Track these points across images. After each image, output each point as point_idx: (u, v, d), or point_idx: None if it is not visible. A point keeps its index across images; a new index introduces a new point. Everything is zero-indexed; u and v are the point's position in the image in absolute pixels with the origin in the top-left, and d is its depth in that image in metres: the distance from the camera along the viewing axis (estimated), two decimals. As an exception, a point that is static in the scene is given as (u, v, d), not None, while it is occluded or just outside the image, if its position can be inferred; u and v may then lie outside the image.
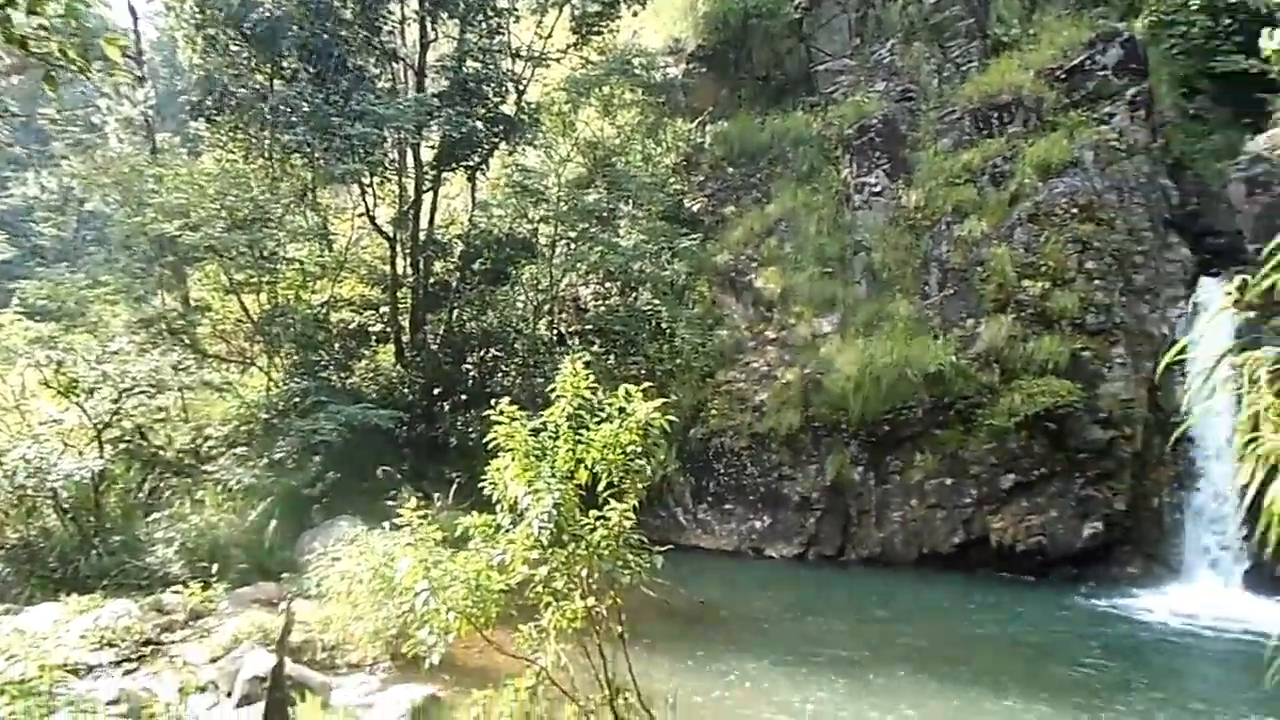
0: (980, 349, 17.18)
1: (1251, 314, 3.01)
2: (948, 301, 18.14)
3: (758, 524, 18.50)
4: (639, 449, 6.28)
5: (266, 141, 17.47)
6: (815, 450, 18.23)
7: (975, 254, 18.01)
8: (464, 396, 17.80)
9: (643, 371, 16.21)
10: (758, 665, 10.62)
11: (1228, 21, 19.30)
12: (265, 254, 16.04)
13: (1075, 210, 17.38)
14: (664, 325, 18.69)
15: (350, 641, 10.75)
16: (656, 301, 19.22)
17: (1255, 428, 3.13)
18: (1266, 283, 2.95)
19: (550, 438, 6.25)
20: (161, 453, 16.11)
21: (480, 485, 6.44)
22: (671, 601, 12.04)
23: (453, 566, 5.91)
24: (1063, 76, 18.76)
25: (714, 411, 19.33)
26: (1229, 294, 3.06)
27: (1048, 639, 12.41)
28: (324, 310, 18.10)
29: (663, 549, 6.42)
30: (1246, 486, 3.15)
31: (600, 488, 6.44)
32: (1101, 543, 15.81)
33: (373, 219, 19.01)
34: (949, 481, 16.91)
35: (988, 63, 20.25)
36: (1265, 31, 3.59)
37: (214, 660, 10.11)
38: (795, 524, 18.13)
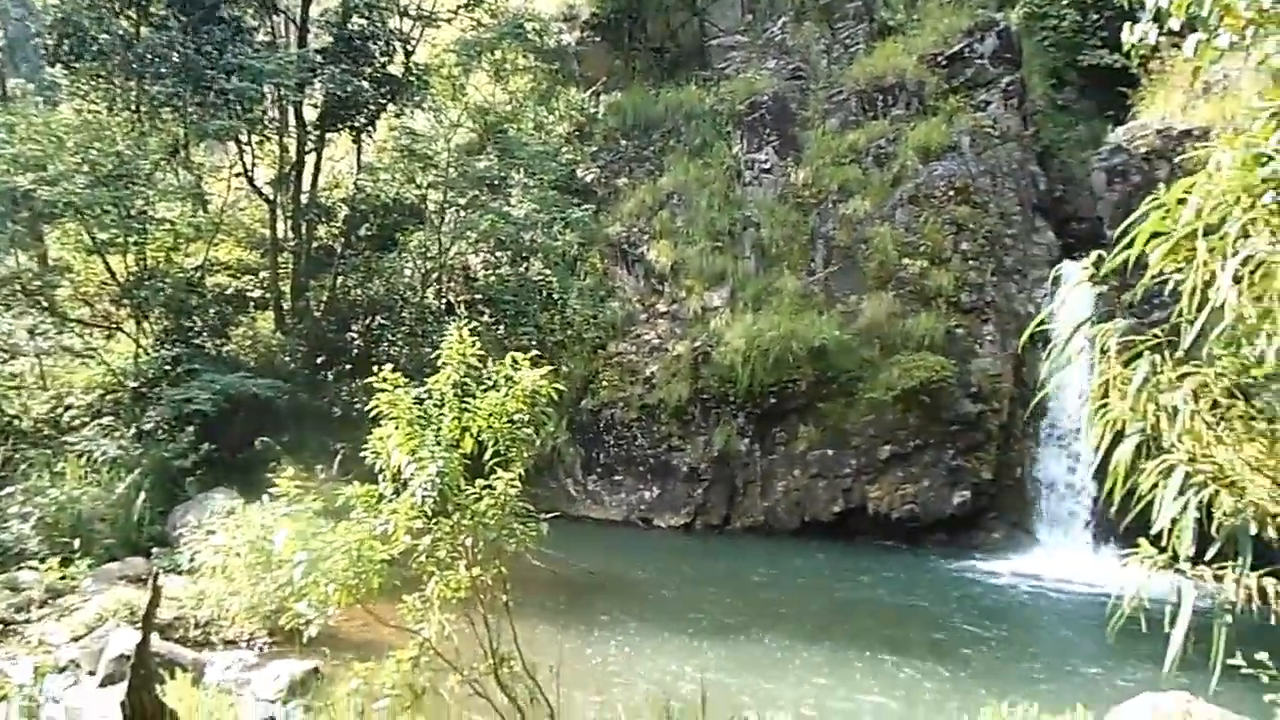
0: (862, 324, 17.76)
1: (1106, 288, 3.22)
2: (833, 278, 18.66)
3: (646, 495, 18.72)
4: (526, 417, 6.24)
5: (133, 93, 16.37)
6: (704, 422, 18.54)
7: (859, 232, 18.56)
8: (349, 366, 17.27)
9: (533, 342, 16.05)
10: (642, 633, 10.80)
11: (1095, 16, 20.39)
12: (132, 213, 15.08)
13: (952, 193, 18.12)
14: (555, 296, 18.57)
15: (225, 617, 10.38)
16: (548, 272, 19.07)
17: (1105, 395, 3.32)
18: (1120, 258, 3.13)
19: (435, 406, 6.14)
20: (16, 422, 15.09)
21: (365, 457, 6.28)
22: (559, 572, 12.06)
23: (333, 537, 5.75)
24: (944, 63, 19.45)
25: (604, 383, 19.40)
26: (1086, 269, 3.24)
27: (916, 601, 13.03)
28: (198, 274, 17.20)
29: (550, 516, 6.42)
30: (1097, 450, 3.35)
31: (486, 457, 6.37)
32: (969, 510, 16.68)
33: (251, 180, 18.14)
34: (830, 452, 17.47)
35: (874, 45, 20.79)
36: (1127, 26, 3.78)
37: (76, 639, 9.60)
38: (683, 494, 18.44)
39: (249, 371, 15.88)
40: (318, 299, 18.22)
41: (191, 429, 14.57)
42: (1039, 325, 3.52)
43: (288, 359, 16.99)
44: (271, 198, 17.84)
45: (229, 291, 18.06)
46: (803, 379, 17.51)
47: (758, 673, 9.32)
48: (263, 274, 18.44)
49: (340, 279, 18.46)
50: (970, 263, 17.77)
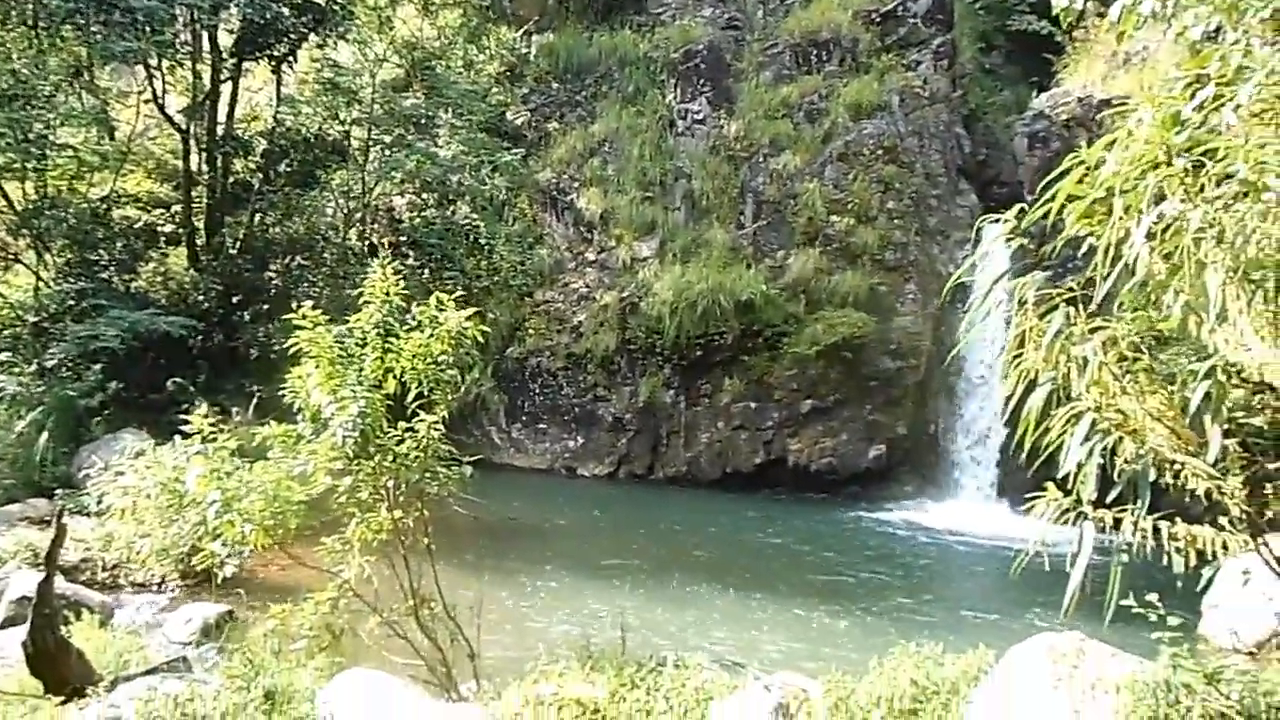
0: (789, 280, 17.97)
1: (1024, 246, 3.32)
2: (761, 232, 18.79)
3: (571, 443, 18.78)
4: (450, 359, 6.17)
5: (30, 7, 15.33)
6: (630, 372, 18.62)
7: (789, 188, 18.69)
8: (266, 306, 16.73)
9: (459, 287, 15.77)
10: (563, 576, 10.91)
11: (1025, -18, 20.68)
12: (30, 137, 14.22)
13: (881, 152, 18.35)
14: (482, 241, 18.28)
15: (136, 560, 10.11)
16: (475, 216, 18.74)
17: (1021, 346, 3.44)
18: (1039, 214, 3.21)
19: (357, 345, 6.02)
20: (-95, 357, 14.28)
21: (283, 398, 6.13)
22: (482, 518, 12.02)
23: (249, 477, 5.63)
24: (877, 20, 19.55)
25: (531, 331, 19.29)
26: (1006, 222, 3.32)
27: (831, 550, 13.44)
28: (104, 205, 16.38)
29: (472, 460, 6.39)
30: (1009, 401, 3.46)
31: (409, 399, 6.30)
32: (885, 464, 17.19)
33: (162, 107, 17.24)
34: (753, 405, 17.76)
35: (810, -1, 20.73)
36: (1057, -9, 3.83)
37: (-28, 582, 9.22)
38: (608, 444, 18.55)
39: (160, 309, 15.27)
40: (234, 236, 17.54)
41: (98, 367, 14.00)
42: (959, 279, 3.61)
43: (201, 297, 16.38)
44: (184, 127, 16.99)
45: (138, 225, 17.24)
46: (729, 332, 17.68)
47: (675, 616, 9.52)
48: (175, 208, 17.63)
49: (258, 216, 17.81)
50: (895, 222, 18.09)
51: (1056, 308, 3.45)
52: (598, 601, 9.47)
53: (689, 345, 17.86)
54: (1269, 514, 3.12)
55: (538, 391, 19.12)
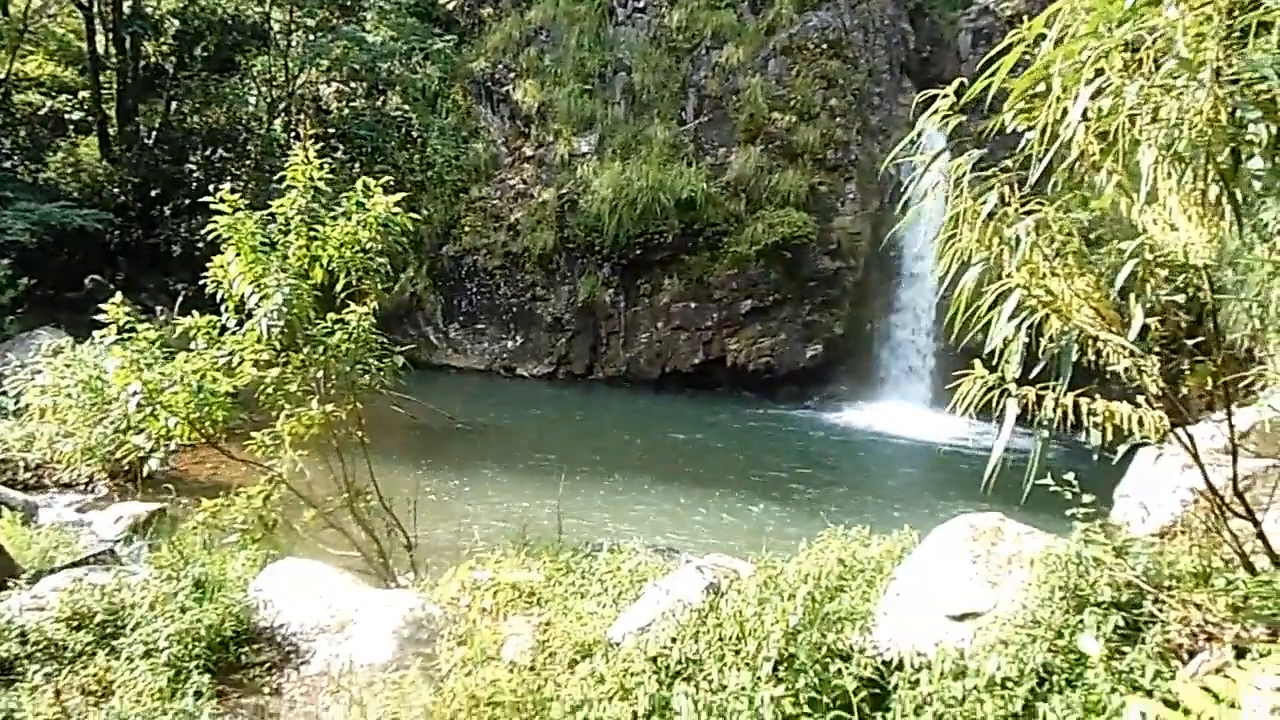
0: (730, 178, 17.82)
1: (963, 119, 3.29)
2: (702, 129, 18.49)
3: (509, 344, 18.68)
4: (380, 248, 5.99)
5: None
6: (569, 271, 18.45)
7: (731, 82, 18.33)
8: (187, 201, 16.08)
9: (392, 182, 15.32)
10: (501, 473, 11.00)
11: None
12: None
13: (825, 46, 18.04)
14: (415, 133, 17.70)
15: (59, 460, 9.84)
16: (407, 107, 18.08)
17: (956, 227, 3.43)
18: (978, 88, 3.16)
19: (281, 231, 5.79)
20: None
21: (209, 296, 5.89)
22: (419, 418, 12.04)
23: (170, 368, 5.46)
24: (826, -93, 18.93)
25: (467, 228, 18.90)
26: (945, 96, 3.28)
27: (765, 448, 13.75)
28: (2, 89, 15.38)
29: (406, 352, 6.29)
30: (943, 280, 3.48)
31: (338, 289, 6.13)
32: (821, 363, 17.48)
33: (62, -18, 16.09)
34: (693, 305, 17.80)
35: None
36: None
37: (-118, 483, 8.91)
38: (546, 344, 18.50)
39: (72, 202, 14.56)
40: (149, 125, 16.68)
41: (6, 262, 13.37)
42: (893, 160, 3.57)
43: (116, 190, 15.65)
44: (87, 4, 15.90)
45: (43, 111, 16.27)
46: (669, 231, 17.55)
47: (611, 510, 9.70)
48: (83, 94, 16.65)
49: (174, 104, 16.92)
50: (838, 120, 17.93)
51: (992, 188, 3.44)
52: (536, 497, 9.58)
53: (628, 244, 17.71)
54: (1183, 391, 3.23)
55: (475, 291, 18.87)
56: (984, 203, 3.33)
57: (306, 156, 5.80)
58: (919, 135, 3.51)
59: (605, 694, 3.36)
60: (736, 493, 10.68)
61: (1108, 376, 3.23)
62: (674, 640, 3.48)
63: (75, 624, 4.06)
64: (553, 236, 18.23)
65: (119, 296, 5.87)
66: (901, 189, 3.86)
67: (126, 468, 9.12)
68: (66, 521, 8.37)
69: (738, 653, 3.33)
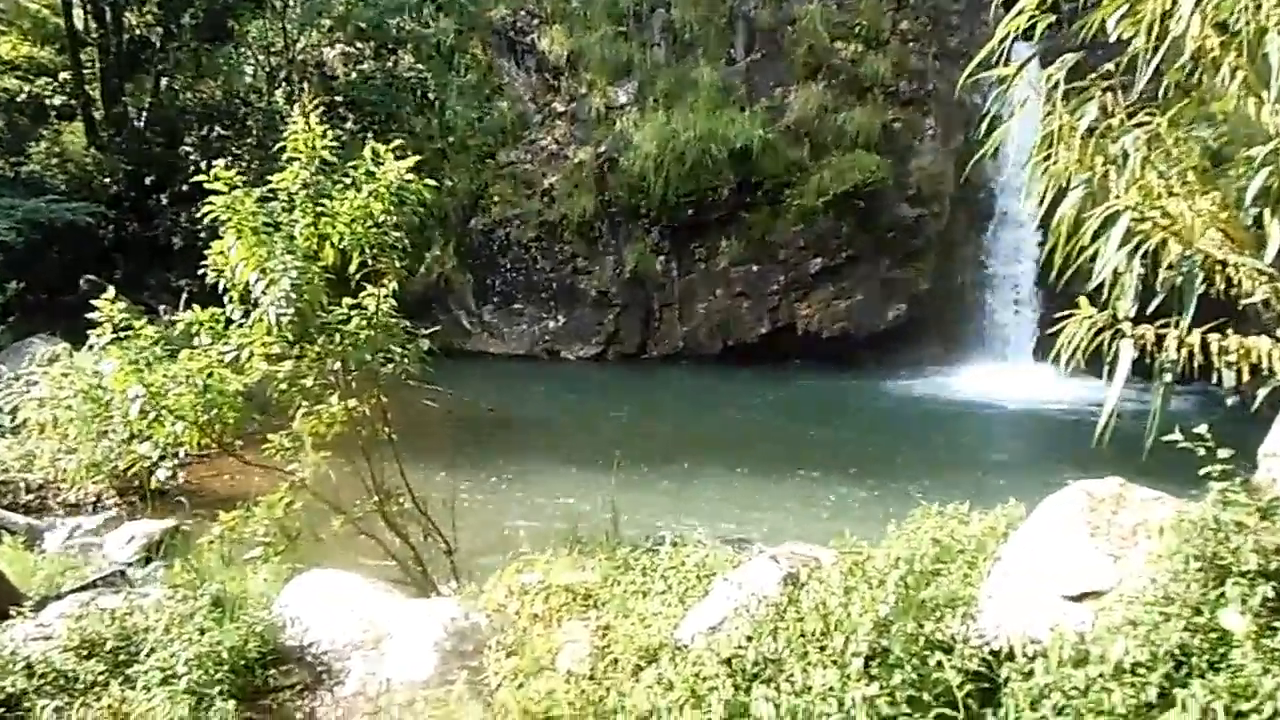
0: (790, 121, 17.68)
1: (1054, 20, 3.17)
2: (755, 67, 18.33)
3: (551, 324, 18.82)
4: (396, 221, 6.04)
5: None
6: (613, 239, 18.49)
7: (785, 11, 18.14)
8: (184, 187, 16.38)
9: (409, 152, 15.46)
10: (546, 466, 11.10)
11: None
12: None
13: (892, -40, 17.74)
14: (431, 96, 17.82)
15: (63, 479, 10.16)
16: (421, 66, 18.19)
17: (1050, 148, 3.34)
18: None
19: (284, 209, 5.87)
20: None
21: (214, 289, 5.99)
22: (455, 410, 12.19)
23: (174, 368, 5.57)
24: None
25: (496, 198, 19.04)
26: (1032, -6, 3.18)
27: (845, 424, 13.68)
28: (-25, 75, 15.88)
29: (430, 334, 6.34)
30: (1041, 202, 3.39)
31: (352, 271, 6.20)
32: (905, 324, 17.30)
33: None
34: (755, 269, 17.72)
35: None
36: None
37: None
38: (592, 322, 18.59)
39: (59, 195, 14.96)
40: (138, 106, 17.07)
41: (-7, 266, 13.82)
42: (980, 73, 3.48)
43: (107, 180, 16.05)
44: (63, -24, 16.31)
45: (21, 98, 16.71)
46: (723, 186, 17.49)
47: (672, 500, 9.73)
48: (63, 75, 17.07)
49: (164, 80, 17.28)
50: (911, 45, 17.68)
51: (1091, 99, 3.34)
52: (587, 490, 9.61)
53: (678, 205, 17.68)
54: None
55: (509, 267, 19.02)
56: (1082, 116, 3.23)
57: (307, 123, 5.86)
58: (1002, 45, 3.40)
59: (675, 702, 3.36)
60: (813, 475, 10.62)
61: (1241, 309, 3.11)
62: (749, 639, 3.47)
63: (85, 652, 4.17)
64: (593, 201, 18.27)
65: (111, 293, 6.01)
66: (985, 114, 3.76)
67: (136, 483, 9.37)
68: (74, 544, 8.65)
69: (822, 649, 3.31)
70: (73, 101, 16.79)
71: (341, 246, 6.00)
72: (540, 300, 18.90)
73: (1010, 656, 3.06)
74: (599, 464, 11.11)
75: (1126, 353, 2.86)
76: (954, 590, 3.47)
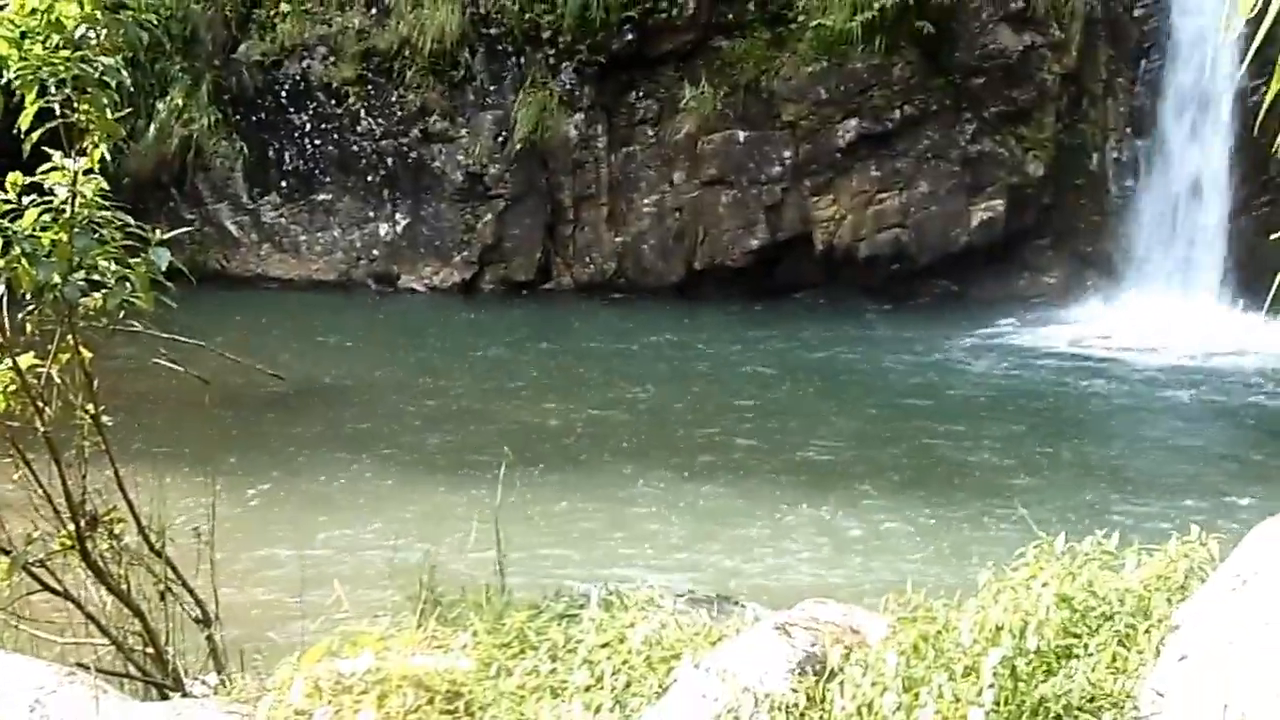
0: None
1: None
2: None
3: (383, 228, 18.72)
4: (105, 36, 5.91)
5: None
6: (492, 84, 18.37)
7: None
8: None
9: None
10: (371, 475, 11.23)
11: None
12: None
13: None
14: None
15: None
16: None
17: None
18: None
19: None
20: None
21: None
22: (216, 379, 12.07)
23: None
24: None
25: (284, 6, 18.74)
26: None
27: (891, 392, 14.01)
28: None
29: (169, 238, 6.23)
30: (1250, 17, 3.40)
31: (24, 124, 6.06)
32: (1002, 236, 17.41)
33: None
34: (742, 137, 17.68)
35: None
36: None
37: None
38: (456, 225, 18.50)
39: None
40: None
41: None
42: None
43: None
44: None
45: None
46: (688, -9, 17.45)
47: (603, 524, 9.94)
48: None
49: None
50: None
51: None
52: (452, 513, 9.63)
53: (607, 23, 17.55)
54: None
55: (307, 128, 18.83)
56: None
57: None
58: None
59: None
60: (841, 483, 10.80)
61: None
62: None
63: None
64: (457, 15, 18.06)
65: None
66: None
67: None
68: None
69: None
70: None
71: (5, 81, 5.87)
72: (364, 188, 18.77)
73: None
74: (471, 469, 11.10)
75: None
76: (1098, 681, 3.51)
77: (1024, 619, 3.96)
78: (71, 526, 6.04)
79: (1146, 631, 3.89)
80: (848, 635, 4.23)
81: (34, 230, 5.85)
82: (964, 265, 17.50)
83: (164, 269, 6.12)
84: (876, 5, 16.99)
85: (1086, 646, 3.90)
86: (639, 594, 5.31)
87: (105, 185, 6.14)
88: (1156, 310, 16.58)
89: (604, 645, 4.67)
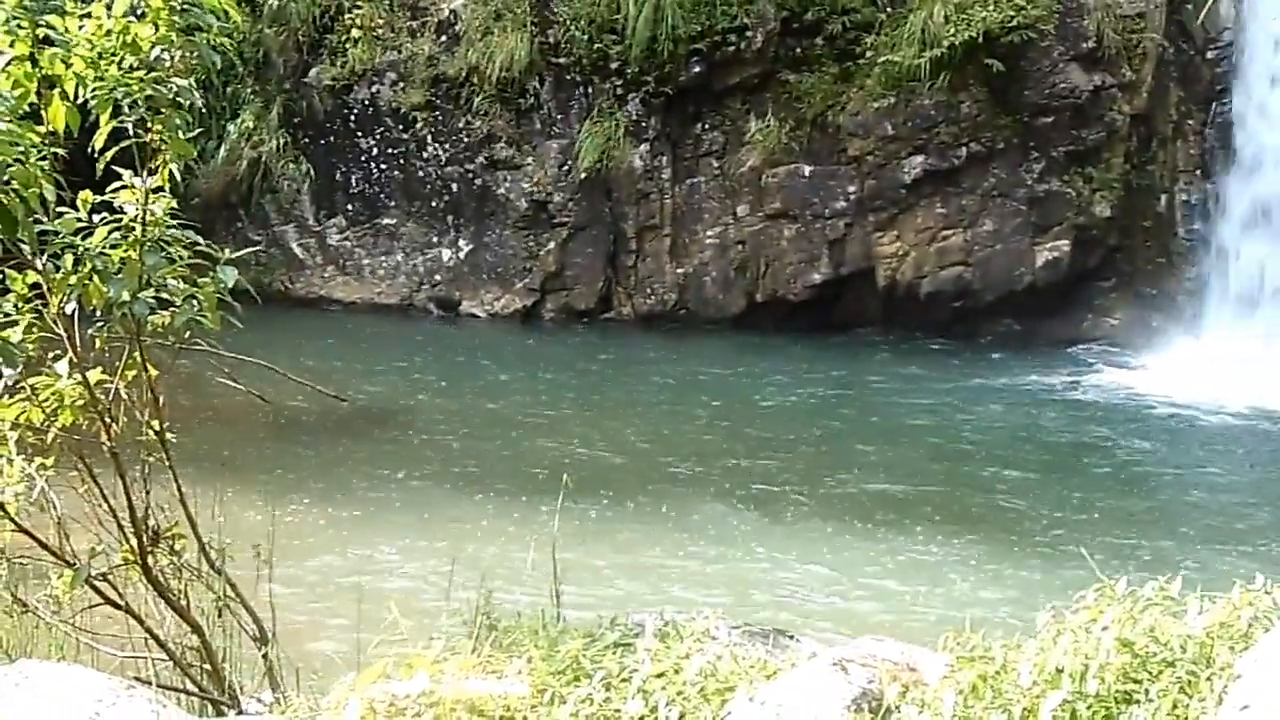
0: (875, -86, 17.69)
1: None
2: None
3: (445, 254, 18.83)
4: (178, 58, 6.00)
5: None
6: (559, 113, 18.49)
7: None
8: None
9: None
10: (431, 499, 11.29)
11: None
12: None
13: None
14: None
15: None
16: None
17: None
18: None
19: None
20: None
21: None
22: (278, 400, 12.17)
23: None
24: None
25: (354, 32, 18.92)
26: None
27: (953, 433, 13.91)
28: None
29: (236, 258, 6.31)
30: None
31: (98, 144, 6.15)
32: (1068, 275, 17.33)
33: None
34: (806, 170, 17.71)
35: None
36: None
37: None
38: (519, 252, 18.60)
39: None
40: None
41: None
42: None
43: None
44: None
45: None
46: (756, 26, 17.50)
47: (660, 555, 9.92)
48: None
49: None
50: None
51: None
52: (510, 538, 9.68)
53: (675, 55, 17.65)
54: None
55: (374, 153, 18.99)
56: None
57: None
58: None
59: None
60: (900, 521, 10.82)
61: None
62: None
63: None
64: (525, 44, 18.19)
65: None
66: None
67: None
68: None
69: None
70: None
71: (84, 101, 5.96)
72: (428, 213, 18.91)
73: None
74: (529, 494, 11.16)
75: None
76: (1161, 729, 3.49)
77: (1084, 662, 3.95)
78: (134, 541, 6.12)
79: (1208, 679, 3.88)
80: (905, 673, 4.24)
81: (104, 247, 5.95)
82: (1027, 305, 17.45)
83: (230, 288, 6.22)
84: (945, 42, 16.97)
85: (1147, 692, 3.89)
86: (694, 625, 5.34)
87: (174, 204, 6.25)
88: (1229, 357, 16.44)
89: (659, 675, 4.69)
